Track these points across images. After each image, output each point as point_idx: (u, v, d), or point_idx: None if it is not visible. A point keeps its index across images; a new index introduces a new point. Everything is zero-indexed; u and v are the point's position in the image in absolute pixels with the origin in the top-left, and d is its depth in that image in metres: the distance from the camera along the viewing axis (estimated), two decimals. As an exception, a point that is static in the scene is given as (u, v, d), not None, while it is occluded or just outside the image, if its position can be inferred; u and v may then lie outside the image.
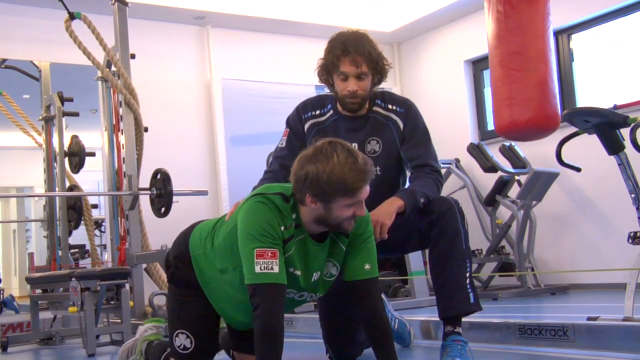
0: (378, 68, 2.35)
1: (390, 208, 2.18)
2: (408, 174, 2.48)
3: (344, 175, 1.78)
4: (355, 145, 2.37)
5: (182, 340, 2.06)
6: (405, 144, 2.40)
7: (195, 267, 2.05)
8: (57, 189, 4.88)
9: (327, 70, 2.38)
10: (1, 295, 5.02)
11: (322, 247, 1.94)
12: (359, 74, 2.31)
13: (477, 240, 5.32)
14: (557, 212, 5.34)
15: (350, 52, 2.29)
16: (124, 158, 4.31)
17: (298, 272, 1.92)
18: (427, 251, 2.33)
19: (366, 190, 1.85)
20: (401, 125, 2.41)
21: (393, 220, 2.17)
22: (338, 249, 1.99)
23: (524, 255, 4.97)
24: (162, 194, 4.18)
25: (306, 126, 2.46)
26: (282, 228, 1.85)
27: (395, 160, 2.42)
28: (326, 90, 2.56)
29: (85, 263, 5.19)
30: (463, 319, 2.25)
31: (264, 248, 1.80)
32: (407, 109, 2.44)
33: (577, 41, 5.43)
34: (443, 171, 5.50)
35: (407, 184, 2.45)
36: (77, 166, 4.96)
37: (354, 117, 2.42)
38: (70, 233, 5.00)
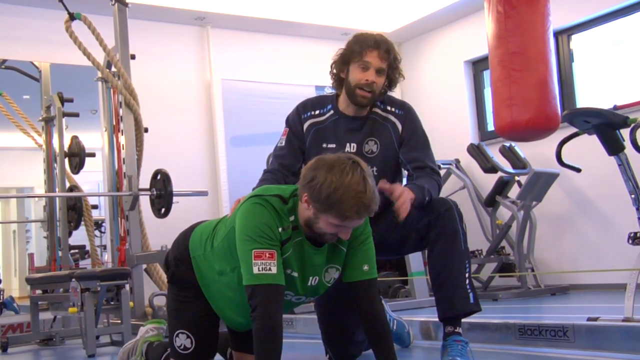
0: (394, 73, 2.40)
1: (409, 194, 2.15)
2: (405, 175, 2.48)
3: (344, 199, 1.75)
4: (353, 146, 2.39)
5: (183, 340, 2.06)
6: (404, 146, 2.41)
7: (195, 268, 2.06)
8: (57, 189, 4.88)
9: (345, 60, 2.39)
10: (1, 296, 5.01)
11: (319, 252, 1.94)
12: (381, 68, 2.35)
13: (477, 240, 5.32)
14: (557, 212, 5.34)
15: (381, 47, 2.34)
16: (124, 159, 4.31)
17: (295, 274, 1.92)
18: (426, 252, 2.33)
19: (358, 222, 1.83)
20: (399, 127, 2.42)
21: (410, 206, 2.14)
22: (339, 252, 1.98)
23: (524, 256, 4.97)
24: (162, 194, 4.18)
25: (305, 126, 2.47)
26: (280, 229, 1.85)
27: (392, 161, 2.43)
28: (326, 91, 2.56)
29: (85, 264, 5.19)
30: (463, 320, 2.25)
31: (262, 249, 1.80)
32: (406, 112, 2.45)
33: (577, 41, 5.44)
34: (443, 172, 5.60)
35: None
36: (77, 167, 4.97)
37: (353, 117, 2.43)
38: (70, 234, 5.00)
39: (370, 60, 2.33)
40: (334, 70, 2.44)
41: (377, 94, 2.39)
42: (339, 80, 2.43)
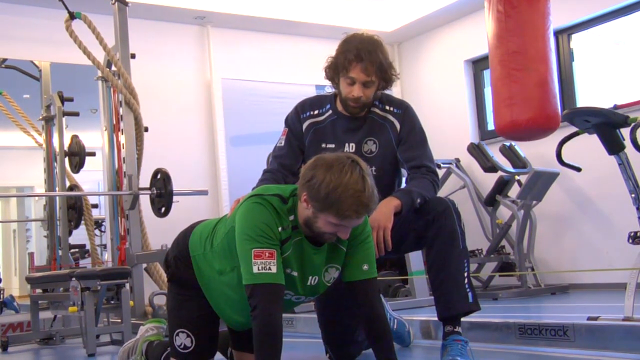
0: (386, 78, 2.37)
1: (387, 209, 2.18)
2: (404, 174, 2.48)
3: (342, 198, 1.74)
4: (352, 146, 2.39)
5: (183, 339, 2.06)
6: (402, 145, 2.41)
7: (195, 268, 2.05)
8: (57, 188, 4.88)
9: (334, 70, 2.38)
10: (1, 295, 5.02)
11: (318, 251, 1.93)
12: (367, 82, 2.32)
13: (478, 240, 5.32)
14: (557, 212, 5.34)
15: (364, 60, 2.29)
16: (124, 158, 4.30)
17: (295, 273, 1.92)
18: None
19: (357, 221, 1.82)
20: (398, 126, 2.42)
21: (392, 221, 2.16)
22: (338, 252, 1.98)
23: (524, 255, 4.97)
24: (162, 193, 4.18)
25: (304, 126, 2.47)
26: (280, 229, 1.85)
27: (391, 160, 2.43)
28: (326, 90, 2.56)
29: (86, 263, 5.19)
30: (463, 319, 2.25)
31: (262, 248, 1.80)
32: (404, 111, 2.45)
33: (577, 41, 5.43)
34: (443, 171, 5.61)
35: (404, 185, 2.45)
36: (77, 166, 4.97)
37: (352, 117, 2.43)
38: (70, 233, 5.00)
39: (354, 76, 2.31)
40: (328, 77, 2.43)
41: (369, 102, 2.38)
42: (336, 84, 2.43)
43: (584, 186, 5.17)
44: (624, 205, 3.17)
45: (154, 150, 4.68)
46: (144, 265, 4.39)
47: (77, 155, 4.94)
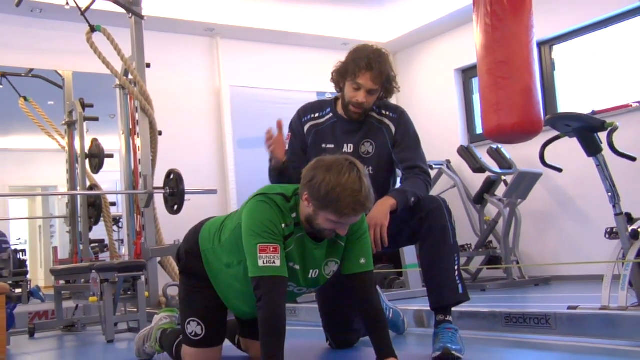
0: (389, 89, 2.37)
1: (384, 208, 2.17)
2: (398, 174, 2.48)
3: (341, 197, 1.74)
4: (350, 147, 2.39)
5: (194, 327, 2.06)
6: (397, 147, 2.41)
7: (205, 261, 2.05)
8: (78, 188, 4.89)
9: (341, 75, 2.38)
10: (28, 286, 5.03)
11: (319, 246, 1.93)
12: (373, 89, 2.32)
13: (467, 235, 5.32)
14: (541, 209, 5.33)
15: (374, 69, 2.29)
16: (139, 159, 4.30)
17: (297, 267, 1.92)
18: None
19: (355, 219, 1.82)
20: (393, 129, 2.42)
21: (389, 219, 2.16)
22: (337, 247, 1.97)
23: (510, 250, 4.96)
24: (175, 192, 4.17)
25: (306, 128, 2.47)
26: (283, 225, 1.85)
27: (387, 161, 2.43)
28: (327, 96, 2.56)
29: (105, 256, 5.20)
30: (453, 309, 2.24)
31: (266, 243, 1.79)
32: (400, 115, 2.45)
33: (559, 52, 5.43)
34: (435, 172, 5.60)
35: (398, 184, 2.45)
36: (96, 167, 4.98)
37: (351, 120, 2.43)
38: (90, 229, 5.01)
39: (362, 83, 2.30)
40: (333, 80, 2.43)
41: (368, 109, 2.38)
42: (340, 88, 2.43)
43: (565, 186, 5.16)
44: (602, 204, 3.16)
45: (167, 153, 4.67)
46: (158, 258, 4.39)
47: (97, 157, 4.95)
